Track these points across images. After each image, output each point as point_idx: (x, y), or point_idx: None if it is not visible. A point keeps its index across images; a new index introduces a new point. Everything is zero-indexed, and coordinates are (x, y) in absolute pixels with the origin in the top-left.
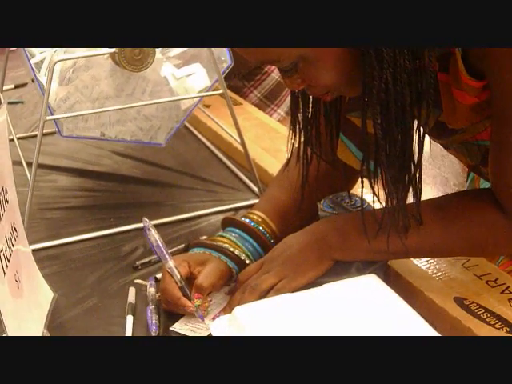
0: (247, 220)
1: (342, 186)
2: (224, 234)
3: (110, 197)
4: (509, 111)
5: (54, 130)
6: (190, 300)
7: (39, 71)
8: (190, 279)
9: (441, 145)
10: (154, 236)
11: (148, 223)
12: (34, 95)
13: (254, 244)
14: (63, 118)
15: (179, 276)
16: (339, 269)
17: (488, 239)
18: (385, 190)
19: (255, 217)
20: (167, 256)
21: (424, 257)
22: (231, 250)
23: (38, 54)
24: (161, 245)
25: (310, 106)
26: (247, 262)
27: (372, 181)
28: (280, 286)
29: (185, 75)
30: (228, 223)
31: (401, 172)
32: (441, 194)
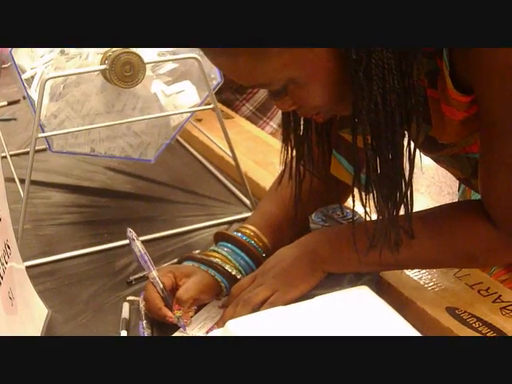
0: (239, 234)
1: (335, 201)
2: (216, 249)
3: (103, 212)
4: (497, 125)
5: (46, 146)
6: (171, 310)
7: (30, 87)
8: (174, 290)
9: (431, 158)
10: (138, 246)
11: (132, 234)
12: (27, 112)
13: (246, 258)
14: (54, 135)
15: (162, 286)
16: (331, 281)
17: (479, 251)
18: (376, 207)
19: (247, 231)
20: (150, 266)
21: (416, 268)
22: (221, 264)
23: (29, 69)
24: (144, 255)
25: (302, 123)
26: (238, 276)
27: (364, 196)
28: (273, 299)
29: (175, 92)
30: (220, 238)
31: (392, 190)
32: (435, 203)
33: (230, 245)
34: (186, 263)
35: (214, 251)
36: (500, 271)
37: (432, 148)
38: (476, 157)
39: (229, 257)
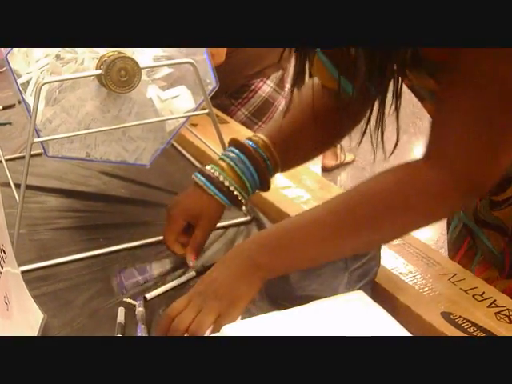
0: (250, 143)
1: (344, 125)
2: (224, 157)
3: (98, 217)
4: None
5: (41, 151)
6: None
7: (25, 91)
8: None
9: (416, 96)
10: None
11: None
12: (22, 116)
13: (252, 170)
14: (50, 140)
15: None
16: (327, 286)
17: (410, 191)
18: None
19: (257, 139)
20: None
21: (356, 230)
22: (226, 184)
23: (25, 74)
24: None
25: None
26: (236, 193)
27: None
28: (217, 325)
29: (170, 97)
30: (232, 143)
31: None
32: None
33: (238, 152)
34: (197, 177)
35: (222, 159)
36: (481, 267)
37: (416, 66)
38: None
39: (235, 167)
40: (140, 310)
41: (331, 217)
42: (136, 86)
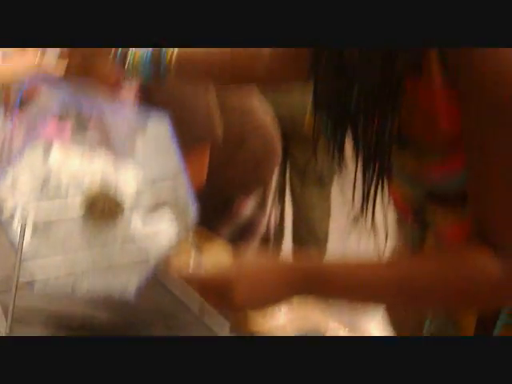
0: None
1: None
2: None
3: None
4: (488, 139)
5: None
6: None
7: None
8: None
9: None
10: None
11: None
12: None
13: None
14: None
15: None
16: None
17: (479, 284)
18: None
19: None
20: None
21: (413, 296)
22: None
23: (9, 207)
24: None
25: None
26: None
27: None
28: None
29: (154, 230)
30: None
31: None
32: None
33: None
34: None
35: None
36: None
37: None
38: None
39: None
40: None
41: (398, 289)
42: (120, 219)
